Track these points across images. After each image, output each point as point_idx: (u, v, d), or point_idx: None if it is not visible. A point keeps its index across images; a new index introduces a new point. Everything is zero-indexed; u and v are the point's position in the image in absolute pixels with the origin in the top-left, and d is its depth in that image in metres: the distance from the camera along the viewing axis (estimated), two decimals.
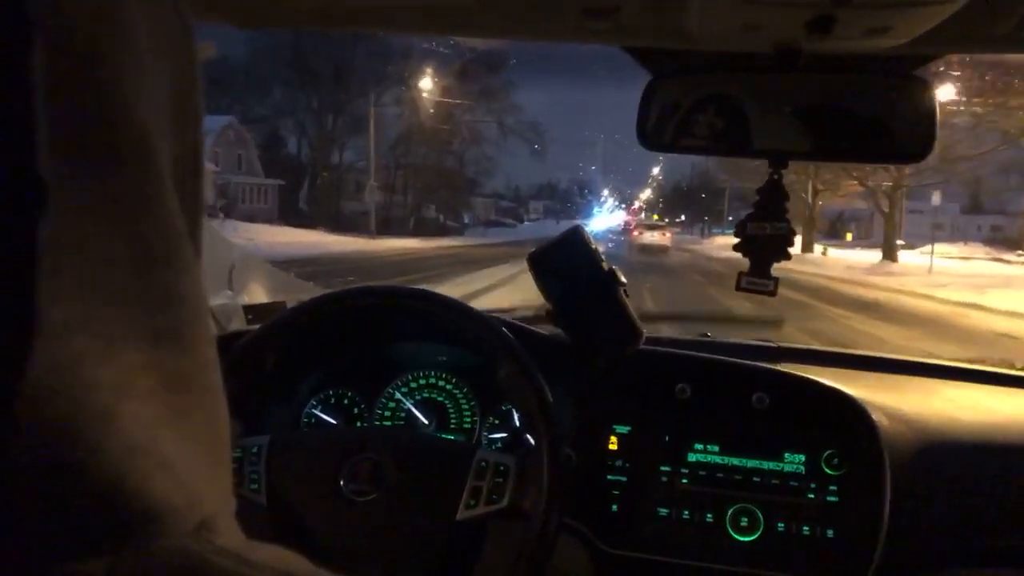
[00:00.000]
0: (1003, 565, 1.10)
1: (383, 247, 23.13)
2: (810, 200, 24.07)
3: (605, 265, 1.11)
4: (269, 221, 27.01)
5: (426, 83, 30.44)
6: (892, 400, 1.17)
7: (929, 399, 1.25)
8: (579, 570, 1.12)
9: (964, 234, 39.42)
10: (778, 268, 1.04)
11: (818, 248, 25.30)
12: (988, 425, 1.19)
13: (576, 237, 1.12)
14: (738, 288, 1.08)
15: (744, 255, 1.06)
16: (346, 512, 0.95)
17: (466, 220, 41.96)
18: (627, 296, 1.13)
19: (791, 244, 1.05)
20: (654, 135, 1.01)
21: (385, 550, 0.94)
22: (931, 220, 24.71)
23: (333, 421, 1.23)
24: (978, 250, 27.30)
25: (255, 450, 0.98)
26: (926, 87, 0.91)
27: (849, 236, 41.19)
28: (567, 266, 1.10)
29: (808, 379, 1.14)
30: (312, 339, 1.11)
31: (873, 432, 1.08)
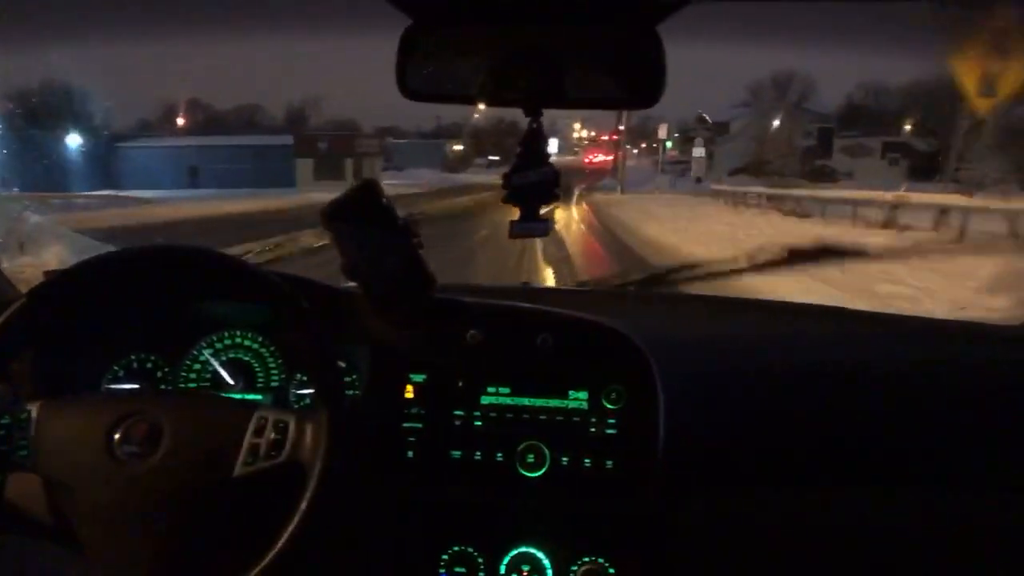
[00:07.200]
0: (766, 484, 1.20)
1: None
2: None
3: (398, 217, 1.15)
4: None
5: None
6: (677, 334, 1.26)
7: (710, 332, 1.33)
8: (381, 517, 1.19)
9: None
10: None
11: None
12: (758, 358, 1.26)
13: (369, 191, 1.16)
14: (511, 235, 1.12)
15: (515, 204, 1.11)
16: (121, 476, 0.95)
17: None
18: (421, 247, 1.18)
19: (557, 186, 1.09)
20: (415, 84, 1.04)
21: (163, 512, 0.94)
22: None
23: (135, 387, 1.25)
24: None
25: (24, 416, 0.98)
26: (658, 41, 0.96)
27: None
28: (358, 218, 1.13)
29: (589, 319, 1.18)
30: (97, 300, 1.11)
31: (648, 369, 1.12)
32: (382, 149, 45.33)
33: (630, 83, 1.01)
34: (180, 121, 43.41)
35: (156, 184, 30.56)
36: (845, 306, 1.49)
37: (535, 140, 1.06)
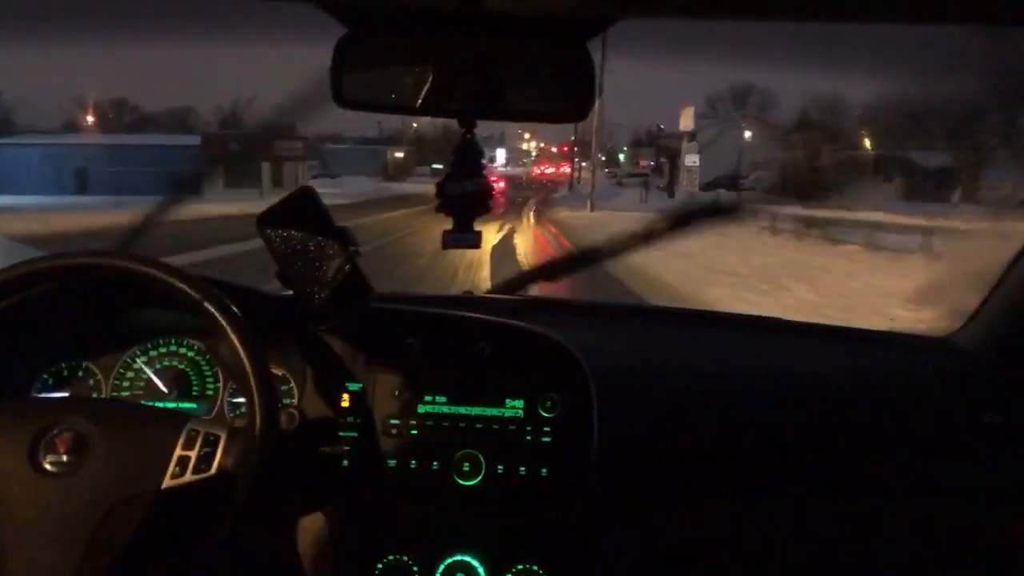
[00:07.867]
0: (700, 493, 1.40)
1: None
2: None
3: (335, 225, 1.30)
4: None
5: None
6: (614, 344, 1.45)
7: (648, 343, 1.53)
8: (316, 529, 1.34)
9: None
10: None
11: None
12: (692, 368, 1.46)
13: (305, 197, 1.29)
14: (445, 246, 1.26)
15: (448, 215, 1.26)
16: (45, 486, 1.01)
17: None
18: (359, 255, 1.34)
19: (491, 197, 1.25)
20: (349, 93, 1.21)
21: (88, 524, 1.00)
22: None
23: (64, 395, 1.34)
24: None
25: None
26: (587, 53, 1.11)
27: None
28: (295, 226, 1.27)
29: (526, 328, 1.35)
30: (24, 305, 1.22)
31: (584, 377, 1.30)
32: (307, 152, 45.20)
33: (562, 96, 1.17)
34: (90, 119, 42.23)
35: (33, 189, 29.85)
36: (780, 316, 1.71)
37: (468, 152, 1.23)
